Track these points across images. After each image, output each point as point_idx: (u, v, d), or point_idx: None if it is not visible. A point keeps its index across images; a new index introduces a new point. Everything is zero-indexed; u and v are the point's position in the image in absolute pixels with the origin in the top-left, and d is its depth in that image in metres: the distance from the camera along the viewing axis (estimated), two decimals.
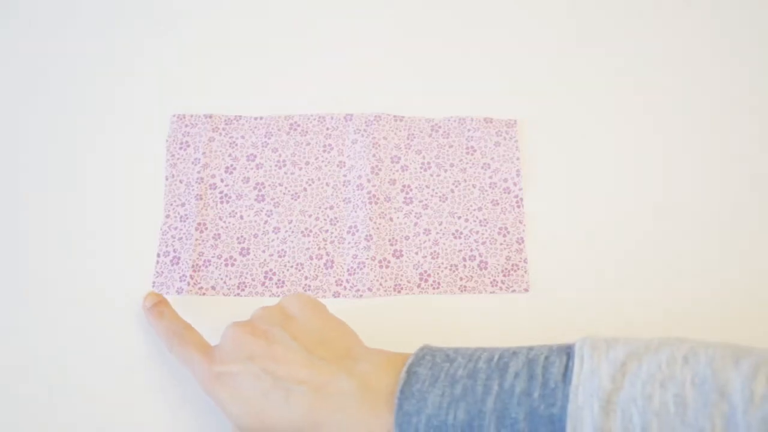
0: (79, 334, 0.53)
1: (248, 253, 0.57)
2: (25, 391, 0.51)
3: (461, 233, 0.58)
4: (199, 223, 0.57)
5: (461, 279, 0.56)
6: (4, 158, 0.60)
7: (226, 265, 0.56)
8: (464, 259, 0.57)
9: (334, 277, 0.56)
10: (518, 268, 0.56)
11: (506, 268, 0.56)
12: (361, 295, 0.55)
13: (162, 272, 0.56)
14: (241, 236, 0.57)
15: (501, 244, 0.57)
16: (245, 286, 0.56)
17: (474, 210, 0.58)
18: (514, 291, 0.56)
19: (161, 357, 0.53)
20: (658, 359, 0.38)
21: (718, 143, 0.61)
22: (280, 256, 0.57)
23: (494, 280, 0.56)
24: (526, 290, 0.56)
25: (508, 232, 0.58)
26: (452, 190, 0.59)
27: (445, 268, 0.56)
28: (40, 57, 0.65)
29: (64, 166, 0.60)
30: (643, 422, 0.36)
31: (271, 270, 0.56)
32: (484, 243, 0.57)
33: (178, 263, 0.56)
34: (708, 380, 0.36)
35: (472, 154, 0.60)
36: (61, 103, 0.63)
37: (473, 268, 0.56)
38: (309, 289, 0.55)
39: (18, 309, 0.54)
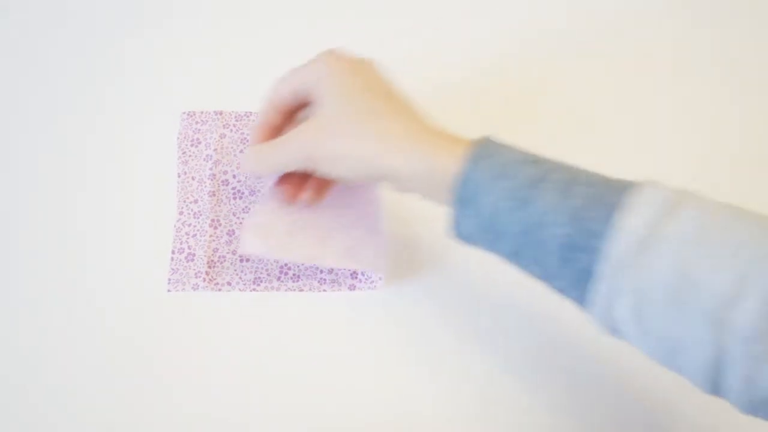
0: (94, 332, 0.53)
1: None
2: (34, 385, 0.51)
3: None
4: (212, 220, 0.58)
5: None
6: (15, 156, 0.60)
7: (241, 260, 0.56)
8: None
9: (350, 269, 0.56)
10: None
11: None
12: (376, 287, 0.56)
13: (177, 269, 0.56)
14: None
15: None
16: (261, 281, 0.56)
17: None
18: None
19: (174, 354, 0.53)
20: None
21: (717, 142, 0.62)
22: None
23: None
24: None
25: None
26: None
27: None
28: (50, 55, 0.65)
29: (76, 165, 0.60)
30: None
31: (285, 264, 0.56)
32: None
33: (193, 260, 0.56)
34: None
35: None
36: (72, 103, 0.63)
37: None
38: (324, 282, 0.56)
39: (32, 307, 0.54)
